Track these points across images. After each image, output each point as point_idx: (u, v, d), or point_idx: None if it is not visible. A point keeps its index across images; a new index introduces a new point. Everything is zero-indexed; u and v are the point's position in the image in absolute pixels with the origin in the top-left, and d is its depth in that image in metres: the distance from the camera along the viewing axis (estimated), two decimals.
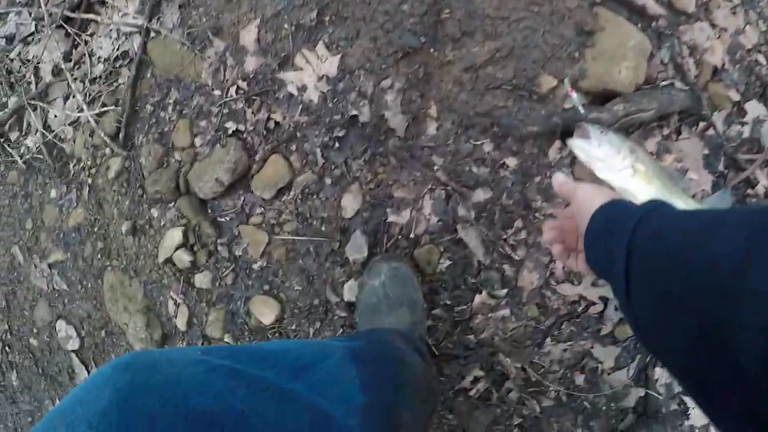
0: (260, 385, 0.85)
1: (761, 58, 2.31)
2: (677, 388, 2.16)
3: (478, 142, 2.02)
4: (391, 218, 2.00)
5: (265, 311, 2.36)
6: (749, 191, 2.27)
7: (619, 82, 2.07)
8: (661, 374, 2.16)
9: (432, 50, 2.12)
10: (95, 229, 3.04)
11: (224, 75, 2.42)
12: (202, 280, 2.53)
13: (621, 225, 0.86)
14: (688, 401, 2.15)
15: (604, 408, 2.19)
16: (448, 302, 2.01)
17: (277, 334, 2.38)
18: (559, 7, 2.09)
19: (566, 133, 1.99)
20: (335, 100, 2.16)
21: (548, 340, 2.09)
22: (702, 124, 2.18)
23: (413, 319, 1.82)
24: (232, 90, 2.38)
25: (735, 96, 2.24)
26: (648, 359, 2.15)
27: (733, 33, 2.27)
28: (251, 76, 2.34)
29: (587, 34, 2.07)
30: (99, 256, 3.06)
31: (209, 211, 2.47)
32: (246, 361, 0.92)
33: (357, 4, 2.17)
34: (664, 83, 2.12)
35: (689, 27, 2.20)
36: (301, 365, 1.00)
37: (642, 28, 2.15)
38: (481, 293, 1.97)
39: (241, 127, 2.34)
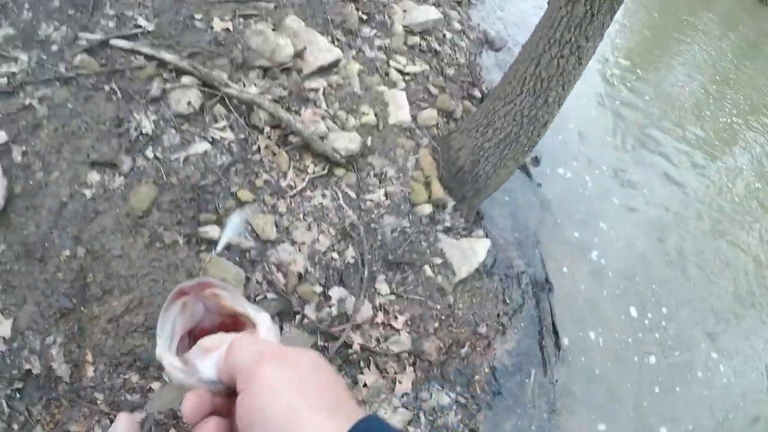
0: None
1: (335, 255, 3.88)
2: None
3: (127, 376, 3.25)
4: None
5: None
6: (349, 350, 3.76)
7: None
8: None
9: (83, 308, 3.33)
10: None
11: None
12: None
13: None
14: None
15: None
16: None
17: None
18: (173, 260, 3.46)
19: None
20: (12, 357, 3.26)
21: None
22: (298, 317, 3.64)
23: None
24: None
25: (319, 289, 3.74)
26: None
27: (310, 243, 3.81)
28: None
29: (194, 277, 3.45)
30: None
31: None
32: None
33: (23, 275, 3.33)
34: (259, 298, 3.56)
35: (274, 250, 3.69)
36: None
37: (239, 261, 3.58)
38: None
39: None
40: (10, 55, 4.05)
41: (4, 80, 3.85)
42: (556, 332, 4.71)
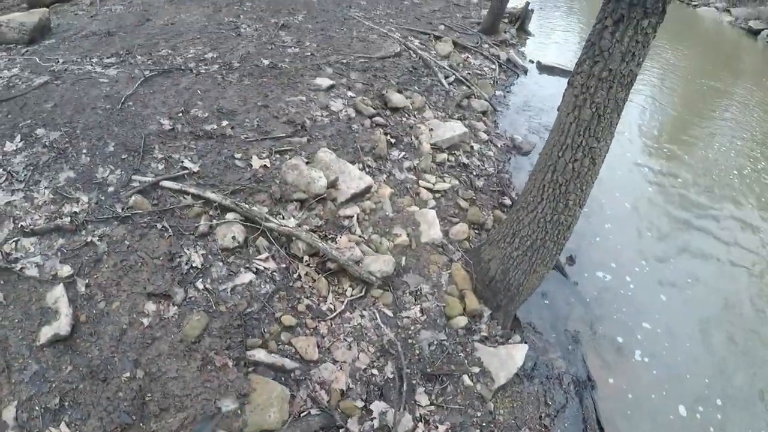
0: None
1: (375, 371, 4.43)
2: None
3: None
4: None
5: None
6: None
7: (271, 423, 3.98)
8: None
9: (142, 424, 3.89)
10: None
11: None
12: None
13: None
14: None
15: None
16: None
17: None
18: (224, 380, 4.06)
19: None
20: None
21: None
22: (341, 431, 4.16)
23: None
24: None
25: (361, 403, 4.26)
26: None
27: (351, 361, 4.38)
28: None
29: (245, 396, 4.04)
30: None
31: None
32: None
33: (88, 393, 3.95)
34: (303, 414, 4.10)
35: (317, 370, 4.27)
36: None
37: (284, 381, 4.16)
38: None
39: None
40: (72, 196, 4.91)
41: (68, 219, 4.67)
42: (601, 428, 5.00)
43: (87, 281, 4.32)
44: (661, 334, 6.13)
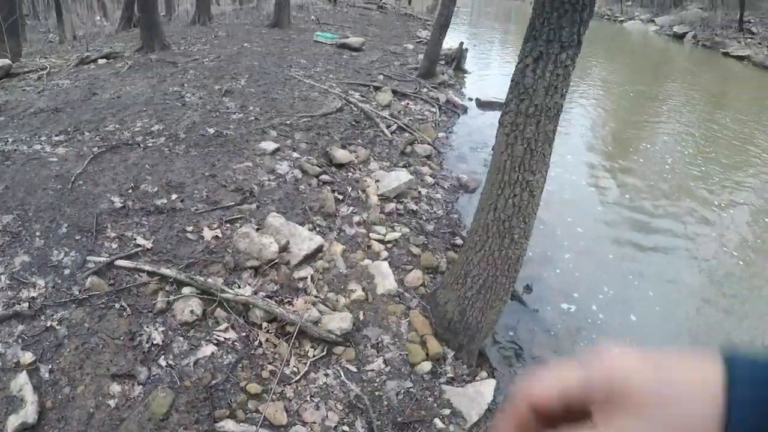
0: None
1: (345, 428, 4.51)
2: None
3: None
4: None
5: None
6: None
7: None
8: None
9: None
10: None
11: None
12: None
13: None
14: None
15: None
16: None
17: None
18: None
19: None
20: None
21: None
22: None
23: None
24: None
25: None
26: None
27: (321, 421, 4.46)
28: None
29: None
30: None
31: None
32: None
33: None
34: None
35: None
36: None
37: None
38: None
39: None
40: (29, 281, 4.95)
41: (26, 305, 4.70)
42: None
43: (50, 366, 4.36)
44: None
